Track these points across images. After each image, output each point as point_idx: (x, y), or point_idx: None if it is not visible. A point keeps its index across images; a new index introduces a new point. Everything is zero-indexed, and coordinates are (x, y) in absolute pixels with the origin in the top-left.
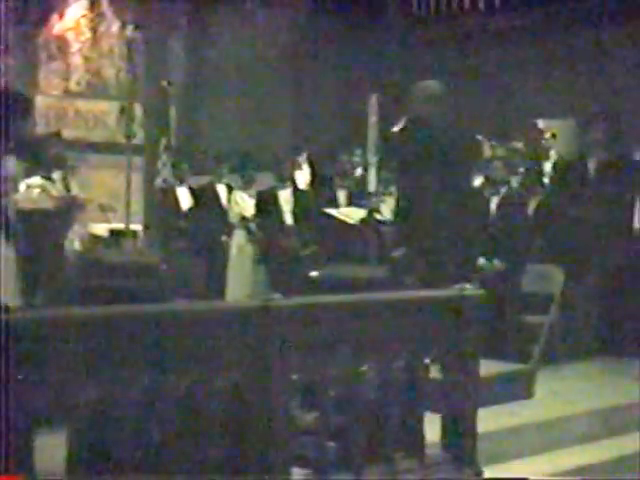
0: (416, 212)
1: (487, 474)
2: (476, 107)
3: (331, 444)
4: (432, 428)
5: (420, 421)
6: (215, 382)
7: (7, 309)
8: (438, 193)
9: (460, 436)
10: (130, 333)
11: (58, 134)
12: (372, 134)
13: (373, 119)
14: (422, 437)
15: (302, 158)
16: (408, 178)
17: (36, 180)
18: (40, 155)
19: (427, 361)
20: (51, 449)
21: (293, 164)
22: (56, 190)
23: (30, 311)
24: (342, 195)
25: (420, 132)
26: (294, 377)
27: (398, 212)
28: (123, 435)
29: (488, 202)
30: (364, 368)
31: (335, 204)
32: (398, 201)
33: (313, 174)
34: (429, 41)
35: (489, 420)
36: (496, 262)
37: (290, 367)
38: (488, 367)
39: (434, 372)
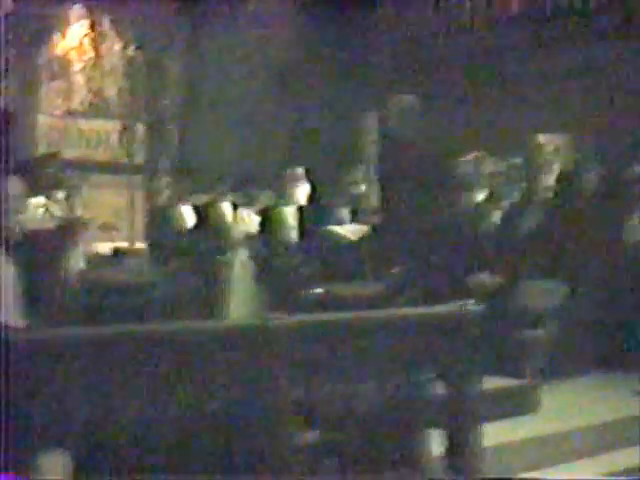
0: (404, 226)
1: None
2: (476, 122)
3: (333, 462)
4: (435, 444)
5: (423, 437)
6: (215, 401)
7: (10, 329)
8: (421, 209)
9: (463, 452)
10: (131, 352)
11: (58, 154)
12: (372, 150)
13: (373, 135)
14: (425, 453)
15: (300, 174)
16: (393, 194)
17: (39, 200)
18: (40, 175)
19: (429, 377)
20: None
21: (291, 180)
22: (59, 210)
23: (33, 331)
24: (344, 212)
25: (397, 148)
26: (295, 395)
27: (385, 229)
28: (118, 455)
29: (489, 217)
30: (366, 385)
31: (337, 221)
32: (387, 217)
33: (313, 190)
34: (430, 58)
35: (491, 436)
36: (496, 277)
37: (291, 385)
38: (489, 383)
39: (436, 388)
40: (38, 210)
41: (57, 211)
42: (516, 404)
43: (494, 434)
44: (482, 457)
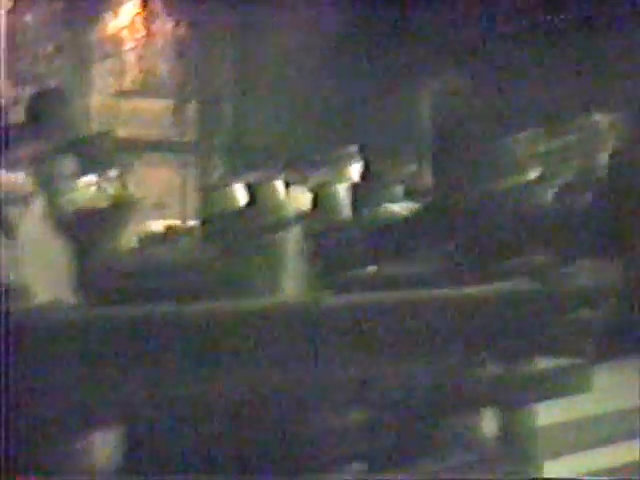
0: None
1: (546, 469)
2: (530, 100)
3: (388, 440)
4: (490, 423)
5: (478, 416)
6: (268, 379)
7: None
8: (474, 187)
9: (518, 431)
10: (183, 332)
11: (110, 133)
12: (425, 127)
13: (426, 112)
14: (480, 432)
15: (353, 151)
16: (446, 172)
17: (91, 179)
18: (93, 154)
19: (484, 357)
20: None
21: (347, 158)
22: (111, 188)
23: (84, 310)
24: (397, 189)
25: (449, 125)
26: (346, 374)
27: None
28: (170, 434)
29: (543, 195)
30: (419, 364)
31: (390, 199)
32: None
33: (367, 168)
34: (481, 34)
35: (546, 415)
36: (552, 256)
37: (342, 364)
38: (544, 362)
39: (491, 367)
40: (90, 189)
41: (109, 190)
42: (571, 383)
43: (549, 414)
44: (537, 437)
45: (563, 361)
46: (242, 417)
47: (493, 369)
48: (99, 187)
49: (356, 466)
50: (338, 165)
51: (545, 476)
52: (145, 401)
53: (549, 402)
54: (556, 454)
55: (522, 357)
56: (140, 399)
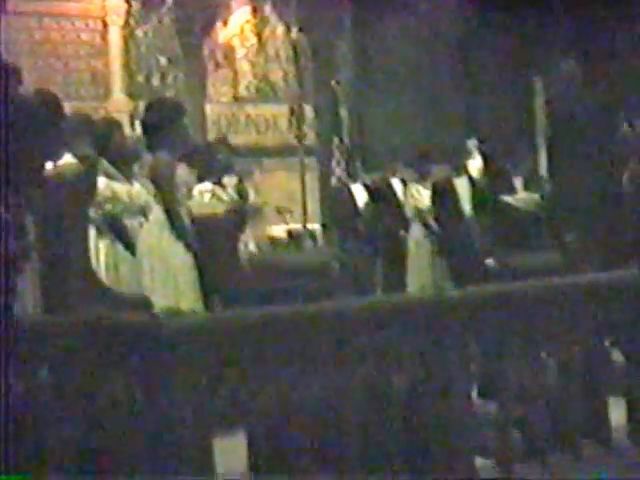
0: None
1: None
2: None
3: (514, 433)
4: (617, 413)
5: (604, 406)
6: (394, 376)
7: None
8: (592, 175)
9: None
10: (311, 332)
11: (224, 140)
12: (540, 117)
13: (540, 102)
14: (607, 423)
15: (473, 146)
16: (563, 160)
17: (207, 186)
18: (208, 161)
19: (608, 344)
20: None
21: (465, 153)
22: (227, 195)
23: (210, 315)
24: (516, 181)
25: (564, 114)
26: (472, 367)
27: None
28: (304, 434)
29: None
30: (543, 355)
31: (510, 191)
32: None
33: (485, 162)
34: (591, 23)
35: None
36: None
37: (468, 357)
38: None
39: (616, 356)
40: (206, 196)
41: (225, 196)
42: None
43: None
44: None
45: None
46: (372, 411)
47: (618, 357)
48: (214, 194)
49: (481, 462)
50: (458, 160)
51: None
52: (275, 400)
53: None
54: None
55: None
56: (271, 398)
